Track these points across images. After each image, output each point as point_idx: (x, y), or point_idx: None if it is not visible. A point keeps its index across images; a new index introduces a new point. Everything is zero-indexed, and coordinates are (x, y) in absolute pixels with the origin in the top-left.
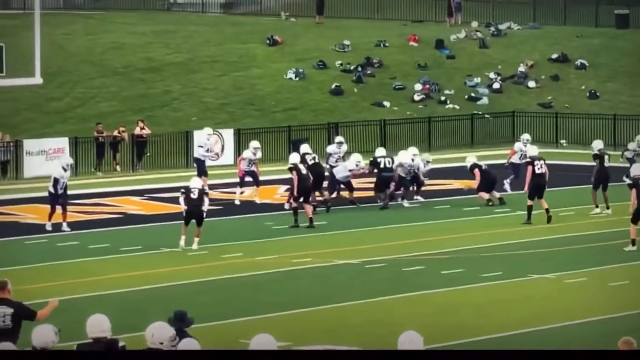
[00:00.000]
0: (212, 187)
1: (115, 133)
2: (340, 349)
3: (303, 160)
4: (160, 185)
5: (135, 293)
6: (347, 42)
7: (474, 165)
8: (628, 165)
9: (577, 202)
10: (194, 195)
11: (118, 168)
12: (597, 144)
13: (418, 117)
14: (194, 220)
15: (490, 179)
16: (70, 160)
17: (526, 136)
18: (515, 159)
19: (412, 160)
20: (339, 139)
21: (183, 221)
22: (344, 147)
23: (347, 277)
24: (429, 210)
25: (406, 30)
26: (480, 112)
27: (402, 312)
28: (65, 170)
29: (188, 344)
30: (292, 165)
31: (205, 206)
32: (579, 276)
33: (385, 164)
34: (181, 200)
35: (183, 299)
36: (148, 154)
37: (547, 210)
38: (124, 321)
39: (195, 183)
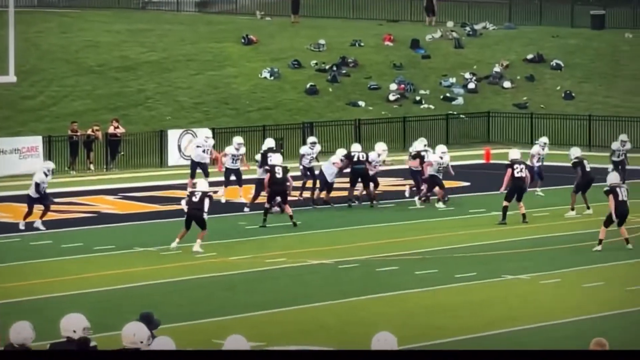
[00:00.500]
0: (185, 186)
1: (89, 132)
2: (314, 350)
3: (264, 156)
4: (134, 184)
5: (108, 292)
6: (322, 42)
7: (417, 155)
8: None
9: (552, 203)
10: (195, 198)
11: (92, 167)
12: (575, 152)
13: (393, 117)
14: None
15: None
16: (52, 165)
17: (544, 139)
18: (534, 162)
19: (441, 157)
20: (312, 139)
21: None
22: (317, 148)
23: (320, 277)
24: (403, 210)
25: (381, 29)
26: (455, 112)
27: (375, 313)
28: (46, 175)
29: (164, 342)
30: (268, 168)
31: (206, 209)
32: (554, 277)
33: (358, 157)
34: (183, 202)
35: (157, 299)
36: (122, 153)
37: (523, 216)
38: (98, 320)
39: (200, 185)
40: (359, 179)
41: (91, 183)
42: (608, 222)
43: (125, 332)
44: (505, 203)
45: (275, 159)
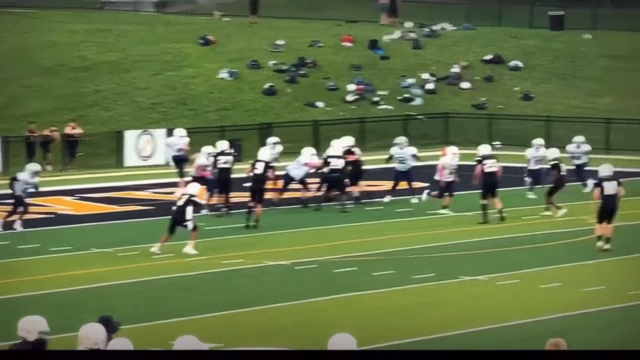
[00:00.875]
0: (144, 187)
1: (46, 132)
2: (270, 350)
3: (216, 158)
4: (91, 185)
5: (65, 294)
6: (280, 42)
7: (349, 151)
8: (573, 167)
9: (510, 204)
10: (181, 202)
11: (49, 168)
12: (554, 153)
13: (351, 118)
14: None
15: (358, 172)
16: (38, 168)
17: (538, 141)
18: (532, 165)
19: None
20: (273, 139)
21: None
22: (279, 148)
23: (278, 279)
24: (362, 211)
25: (340, 30)
26: (413, 113)
27: (332, 314)
28: (32, 177)
29: (121, 344)
30: (252, 162)
31: (189, 215)
32: (511, 278)
33: (336, 165)
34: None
35: (114, 300)
36: (80, 154)
37: (500, 211)
38: (55, 322)
39: (189, 189)
40: (334, 187)
41: (48, 184)
42: (599, 217)
43: (81, 334)
44: (482, 202)
45: (261, 153)
